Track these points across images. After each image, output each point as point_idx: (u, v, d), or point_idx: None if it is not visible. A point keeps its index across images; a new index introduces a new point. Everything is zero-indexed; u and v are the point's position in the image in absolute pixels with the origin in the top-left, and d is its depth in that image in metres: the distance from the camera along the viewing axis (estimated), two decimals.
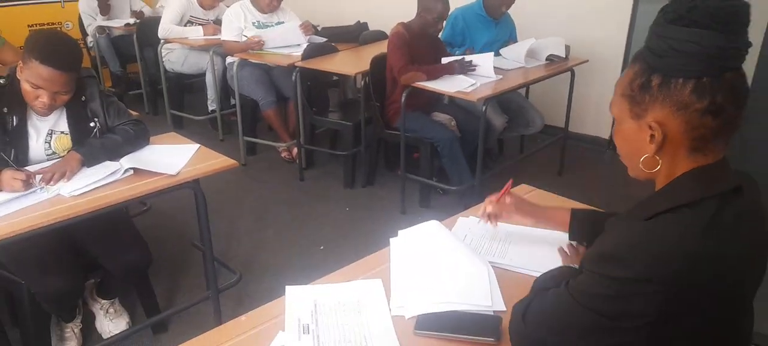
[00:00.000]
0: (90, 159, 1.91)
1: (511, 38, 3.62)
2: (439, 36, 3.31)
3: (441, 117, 3.30)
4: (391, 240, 1.45)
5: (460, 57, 3.13)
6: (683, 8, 0.85)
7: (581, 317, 0.89)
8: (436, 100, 3.33)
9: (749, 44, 0.85)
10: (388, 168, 3.75)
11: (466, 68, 3.05)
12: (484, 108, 2.88)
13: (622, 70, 3.77)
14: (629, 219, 0.92)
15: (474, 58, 3.11)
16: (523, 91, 3.70)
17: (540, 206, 1.44)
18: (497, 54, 3.34)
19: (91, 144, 1.96)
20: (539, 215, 1.41)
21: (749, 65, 3.70)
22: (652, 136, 0.89)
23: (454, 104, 3.42)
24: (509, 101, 3.51)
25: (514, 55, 3.35)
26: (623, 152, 0.98)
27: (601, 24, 3.76)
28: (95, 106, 2.02)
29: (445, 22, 3.17)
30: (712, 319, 0.87)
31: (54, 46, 1.79)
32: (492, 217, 1.44)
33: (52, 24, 5.23)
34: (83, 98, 1.99)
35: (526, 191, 1.75)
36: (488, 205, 1.43)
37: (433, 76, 3.01)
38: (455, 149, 3.09)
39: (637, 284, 0.82)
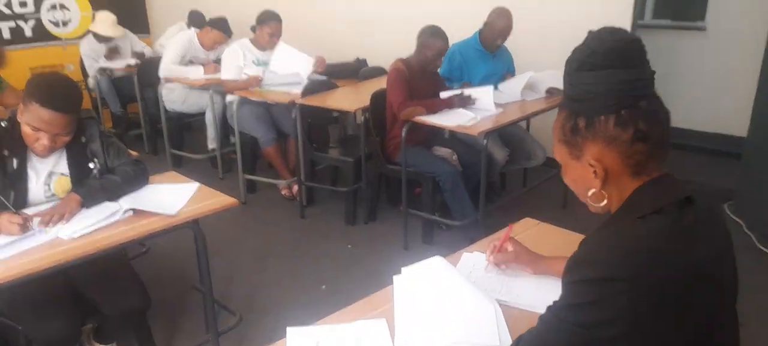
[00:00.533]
0: (89, 200, 1.89)
1: (508, 71, 3.64)
2: (438, 71, 3.33)
3: (442, 151, 3.29)
4: (395, 278, 1.41)
5: (458, 91, 3.14)
6: (584, 56, 0.94)
7: (564, 335, 0.92)
8: (436, 134, 3.32)
9: (652, 72, 0.94)
10: (390, 204, 3.72)
11: (466, 102, 3.06)
12: (485, 142, 2.87)
13: None
14: (597, 230, 0.98)
15: (473, 91, 3.12)
16: (523, 124, 3.70)
17: (539, 255, 1.46)
18: (495, 88, 3.35)
19: (90, 185, 1.94)
20: (538, 265, 1.45)
21: (754, 67, 3.62)
22: (594, 172, 0.97)
23: (454, 138, 3.41)
24: (510, 135, 3.51)
25: (510, 90, 3.35)
26: (577, 192, 1.05)
27: None
28: (95, 147, 2.01)
29: (443, 58, 3.19)
30: (687, 329, 0.89)
31: (53, 89, 1.80)
32: (495, 265, 1.47)
33: (54, 66, 5.28)
34: (83, 139, 1.99)
35: (530, 225, 1.72)
36: (490, 255, 1.47)
37: (432, 110, 3.01)
38: (457, 183, 3.07)
39: (606, 283, 0.86)
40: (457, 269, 1.47)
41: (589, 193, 1.00)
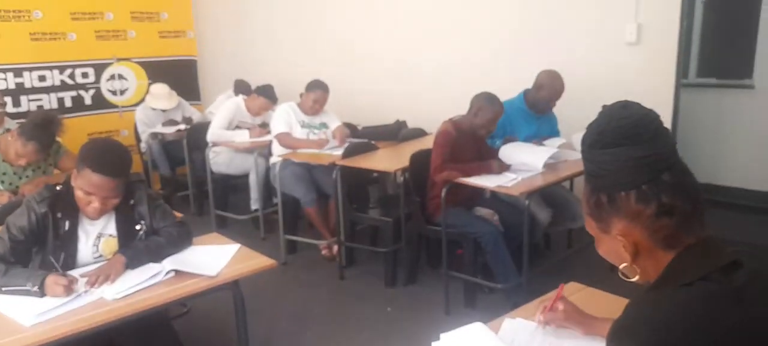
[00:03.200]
0: (134, 261, 1.95)
1: (552, 133, 3.60)
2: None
3: (483, 212, 3.24)
4: (434, 345, 1.37)
5: (499, 149, 3.10)
6: (595, 134, 0.94)
7: None
8: (477, 194, 3.28)
9: (672, 143, 0.92)
10: (431, 265, 3.66)
11: (504, 169, 3.01)
12: (527, 202, 2.81)
13: None
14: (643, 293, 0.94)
15: (545, 145, 3.12)
16: (567, 184, 3.62)
17: (591, 316, 1.40)
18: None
19: (136, 247, 2.00)
20: (590, 325, 1.39)
21: None
22: (623, 246, 0.95)
23: (496, 199, 3.36)
24: (554, 195, 3.43)
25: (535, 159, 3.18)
26: (613, 262, 1.01)
27: None
28: (142, 210, 2.08)
29: (495, 125, 3.14)
30: None
31: (104, 155, 1.89)
32: (545, 325, 1.42)
33: (110, 132, 5.56)
34: (132, 202, 2.06)
35: (576, 289, 1.65)
36: (540, 314, 1.42)
37: (468, 175, 2.98)
38: (499, 244, 2.99)
39: None
40: (498, 337, 1.41)
41: (621, 266, 0.98)
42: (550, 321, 1.41)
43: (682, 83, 3.70)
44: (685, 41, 3.80)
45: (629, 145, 0.90)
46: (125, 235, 2.04)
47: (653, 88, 3.61)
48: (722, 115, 4.60)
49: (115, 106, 5.70)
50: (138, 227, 2.06)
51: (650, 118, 0.93)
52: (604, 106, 0.97)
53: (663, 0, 3.53)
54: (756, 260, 0.91)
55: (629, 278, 0.99)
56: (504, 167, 3.02)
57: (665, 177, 0.90)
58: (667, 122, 3.67)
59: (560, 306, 1.41)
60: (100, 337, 1.84)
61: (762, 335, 0.85)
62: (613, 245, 0.97)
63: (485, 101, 3.07)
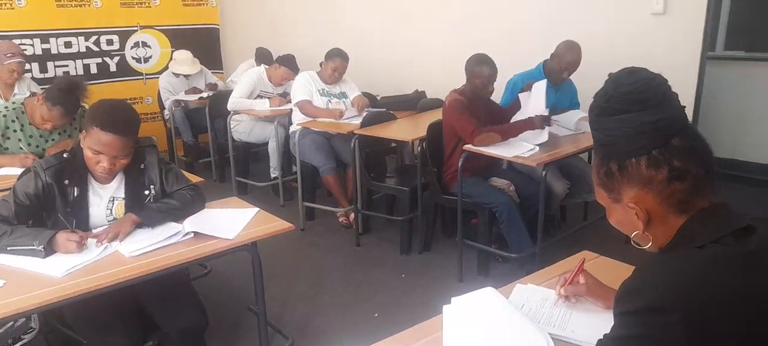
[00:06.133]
0: (147, 220, 2.00)
1: (572, 105, 3.56)
2: (492, 98, 3.30)
3: (499, 182, 3.24)
4: (445, 308, 1.39)
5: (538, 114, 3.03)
6: (603, 102, 0.94)
7: None
8: (494, 164, 3.28)
9: (681, 107, 0.92)
10: (445, 234, 3.69)
11: (546, 122, 2.94)
12: (544, 173, 2.81)
13: None
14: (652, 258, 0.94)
15: (531, 90, 3.08)
16: (585, 156, 3.59)
17: (612, 289, 1.37)
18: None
19: (148, 207, 2.05)
20: (611, 300, 1.35)
21: None
22: (635, 214, 0.95)
23: (512, 169, 3.36)
24: (571, 167, 3.41)
25: (565, 122, 3.26)
26: (625, 232, 1.02)
27: None
28: (153, 174, 2.11)
29: (493, 83, 3.16)
30: None
31: (112, 114, 1.91)
32: (565, 299, 1.41)
33: (134, 99, 5.66)
34: (142, 166, 2.09)
35: (590, 258, 1.66)
36: (560, 288, 1.41)
37: (509, 135, 2.97)
38: (514, 215, 3.00)
39: (656, 314, 0.81)
40: (509, 301, 1.43)
41: (633, 235, 0.98)
42: (570, 294, 1.40)
43: (708, 56, 3.61)
44: (714, 12, 3.69)
45: (637, 110, 0.90)
46: (133, 199, 2.06)
47: (679, 59, 3.53)
48: (748, 89, 4.48)
49: (140, 74, 5.78)
50: (146, 192, 2.09)
51: (657, 82, 0.92)
52: (611, 74, 0.96)
53: None
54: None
55: (642, 246, 0.99)
56: (547, 121, 2.95)
57: (675, 142, 0.90)
58: (691, 95, 3.60)
59: (582, 280, 1.39)
60: (125, 296, 1.92)
61: (766, 300, 0.84)
62: (625, 214, 0.97)
63: (476, 64, 3.09)
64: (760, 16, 4.53)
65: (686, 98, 3.60)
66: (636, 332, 0.84)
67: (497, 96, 3.44)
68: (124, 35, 5.62)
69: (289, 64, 4.57)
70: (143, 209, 2.03)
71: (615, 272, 1.55)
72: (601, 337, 0.93)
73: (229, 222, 2.09)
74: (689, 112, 3.63)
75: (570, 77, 3.48)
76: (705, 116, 3.81)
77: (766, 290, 0.84)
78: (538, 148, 2.90)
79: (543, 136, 2.92)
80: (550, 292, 1.45)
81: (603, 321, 1.32)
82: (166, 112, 5.33)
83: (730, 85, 4.48)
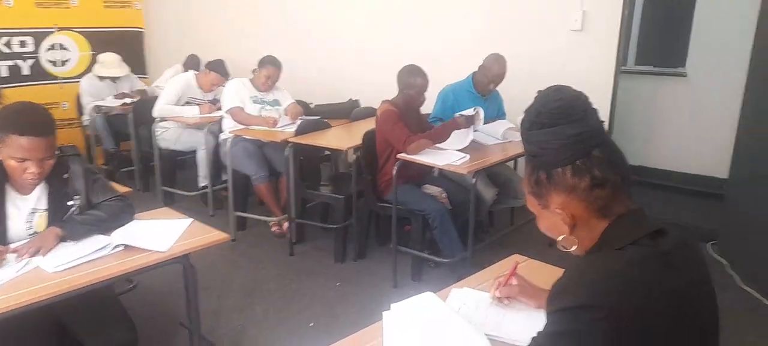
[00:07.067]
0: (71, 233, 1.89)
1: (499, 115, 3.72)
2: (421, 111, 3.39)
3: (432, 189, 3.33)
4: (384, 314, 1.42)
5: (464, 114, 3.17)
6: (533, 116, 1.04)
7: None
8: (426, 172, 3.37)
9: (600, 122, 1.03)
10: (380, 242, 3.74)
11: (471, 121, 3.09)
12: (473, 180, 2.92)
13: None
14: (579, 260, 1.04)
15: (488, 126, 3.25)
16: (511, 164, 3.76)
17: (543, 290, 1.48)
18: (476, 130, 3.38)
19: (71, 219, 1.94)
20: (542, 299, 1.46)
21: (733, 111, 3.71)
22: (562, 219, 1.03)
23: (444, 177, 3.46)
24: (498, 174, 3.56)
25: (492, 131, 3.41)
26: (553, 236, 1.11)
27: None
28: (78, 184, 2.01)
29: (425, 94, 3.26)
30: None
31: (27, 116, 1.81)
32: (499, 300, 1.49)
33: (50, 104, 5.31)
34: (65, 176, 1.99)
35: (520, 261, 1.75)
36: (495, 290, 1.48)
37: (438, 139, 3.05)
38: (446, 221, 3.10)
39: (586, 311, 0.89)
40: (447, 305, 1.49)
41: (560, 238, 1.07)
42: (504, 296, 1.48)
43: (621, 70, 3.89)
44: (626, 30, 3.99)
45: (564, 123, 0.99)
46: (56, 210, 1.96)
47: (595, 73, 3.79)
48: (656, 101, 4.87)
49: (55, 78, 5.45)
50: (70, 203, 1.98)
51: (581, 99, 1.03)
52: (539, 91, 1.06)
53: None
54: (678, 229, 1.02)
55: (567, 249, 1.08)
56: (470, 121, 3.09)
57: (596, 153, 1.00)
58: (606, 107, 3.86)
59: (514, 282, 1.48)
60: (45, 312, 1.80)
61: (686, 296, 0.95)
62: (552, 219, 1.06)
63: (409, 75, 3.19)
64: (667, 33, 4.94)
65: (602, 109, 3.86)
66: (567, 328, 0.91)
67: (429, 105, 3.54)
68: (40, 37, 5.28)
69: (219, 69, 4.47)
70: (67, 222, 1.93)
71: (542, 274, 1.65)
72: (535, 335, 0.99)
73: (160, 234, 2.02)
74: (604, 123, 3.90)
75: (497, 89, 3.64)
76: (619, 126, 4.10)
77: (680, 286, 0.94)
78: (468, 156, 3.01)
79: (469, 135, 3.04)
80: (485, 294, 1.52)
81: (535, 320, 1.40)
82: (85, 118, 5.06)
83: (641, 98, 4.84)
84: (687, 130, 4.75)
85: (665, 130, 4.84)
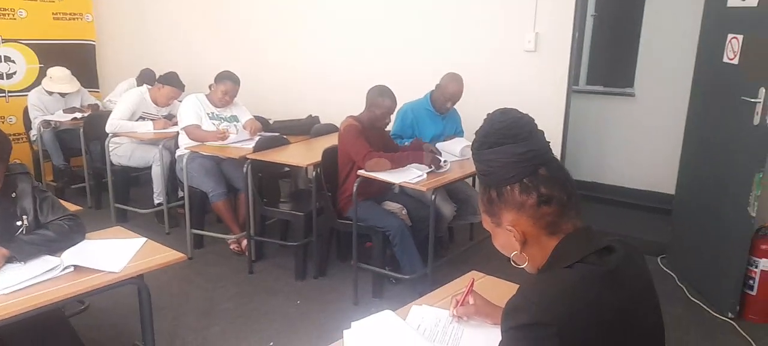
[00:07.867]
0: (19, 254, 1.83)
1: (457, 132, 3.78)
2: (387, 129, 3.43)
3: (392, 206, 3.35)
4: (345, 332, 1.42)
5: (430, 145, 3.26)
6: (481, 137, 1.09)
7: None
8: (386, 189, 3.40)
9: (546, 142, 1.09)
10: (340, 259, 3.73)
11: (436, 162, 3.08)
12: (433, 197, 2.96)
13: (561, 159, 3.97)
14: (531, 278, 1.08)
15: (446, 144, 3.32)
16: (470, 181, 3.83)
17: (499, 307, 1.49)
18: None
19: (19, 239, 1.88)
20: (498, 317, 1.48)
21: (678, 129, 3.84)
22: (514, 236, 1.08)
23: (404, 193, 3.49)
24: (457, 190, 3.62)
25: (450, 149, 3.46)
26: (506, 253, 1.15)
27: (538, 118, 3.98)
28: (26, 204, 1.95)
29: (392, 116, 3.30)
30: None
31: None
32: (457, 319, 1.51)
33: None
34: (13, 195, 1.92)
35: (477, 278, 1.77)
36: (453, 309, 1.50)
37: (398, 163, 3.07)
38: (406, 238, 3.12)
39: (538, 328, 0.92)
40: (406, 322, 1.50)
41: (512, 255, 1.11)
42: (462, 315, 1.49)
43: (573, 89, 4.03)
44: (577, 51, 4.14)
45: (510, 143, 1.05)
46: (3, 230, 1.89)
47: (548, 92, 3.91)
48: (606, 120, 5.06)
49: (1, 91, 5.23)
50: (18, 223, 1.92)
51: (526, 120, 1.09)
52: (488, 114, 1.11)
53: (558, 12, 3.83)
54: (625, 246, 1.07)
55: (520, 265, 1.12)
56: (436, 160, 3.09)
57: (542, 171, 1.05)
58: (559, 125, 3.99)
59: (471, 300, 1.50)
60: None
61: (631, 311, 1.00)
62: (505, 237, 1.10)
63: (378, 95, 3.21)
64: (616, 55, 5.16)
65: (555, 127, 3.99)
66: (522, 344, 0.94)
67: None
68: None
69: (173, 81, 4.39)
70: (14, 242, 1.85)
71: (500, 290, 1.68)
72: None
73: (113, 254, 1.97)
74: (557, 140, 4.03)
75: (455, 107, 3.71)
76: (571, 144, 4.23)
77: (625, 302, 0.99)
78: (425, 174, 3.04)
79: (424, 169, 3.06)
80: (444, 312, 1.54)
81: (493, 336, 1.43)
82: (33, 133, 4.87)
83: (592, 116, 5.02)
84: (636, 147, 4.95)
85: (616, 147, 5.02)
